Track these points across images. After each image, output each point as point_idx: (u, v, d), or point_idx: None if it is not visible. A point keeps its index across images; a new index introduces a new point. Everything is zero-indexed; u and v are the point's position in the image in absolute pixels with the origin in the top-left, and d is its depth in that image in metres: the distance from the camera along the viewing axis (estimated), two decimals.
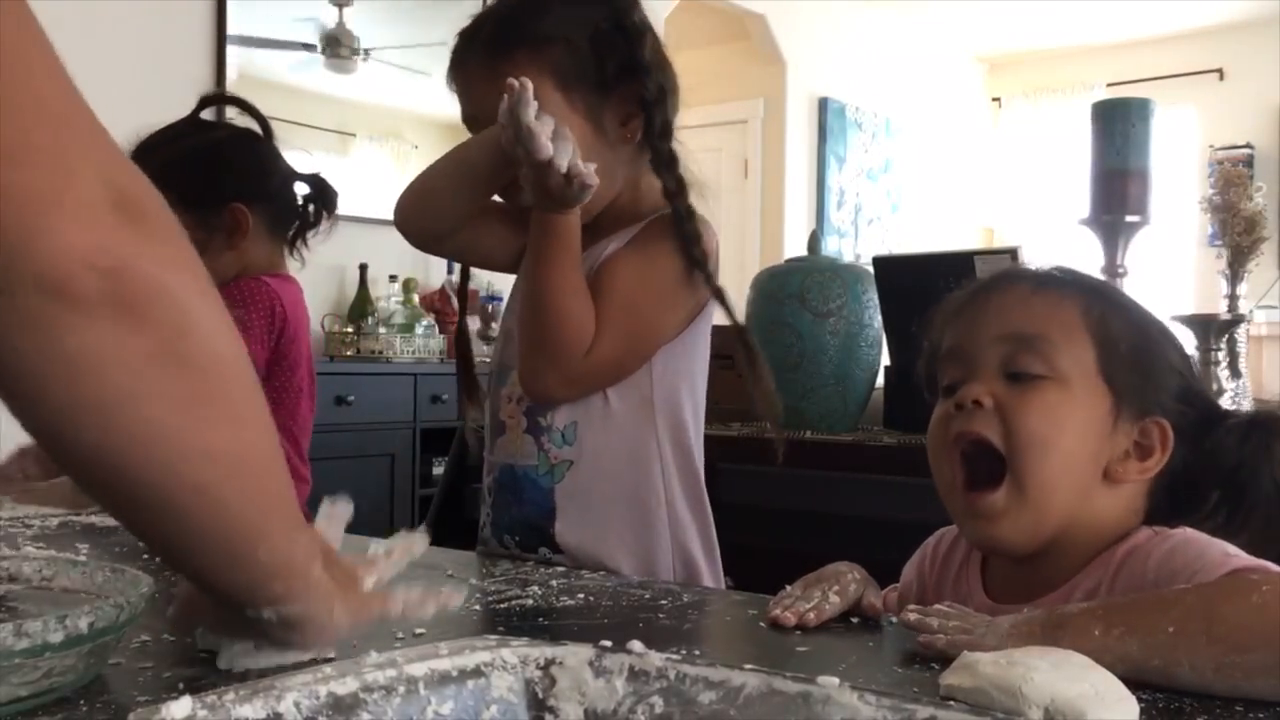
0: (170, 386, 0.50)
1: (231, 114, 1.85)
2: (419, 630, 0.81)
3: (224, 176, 1.63)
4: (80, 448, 0.51)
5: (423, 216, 1.28)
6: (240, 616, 0.61)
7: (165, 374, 0.49)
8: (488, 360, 1.38)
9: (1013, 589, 0.93)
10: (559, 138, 1.07)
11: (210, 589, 0.62)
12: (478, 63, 1.22)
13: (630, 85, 1.20)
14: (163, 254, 0.50)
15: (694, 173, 1.24)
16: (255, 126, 1.72)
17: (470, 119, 1.25)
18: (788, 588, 0.92)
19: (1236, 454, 0.91)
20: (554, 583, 1.05)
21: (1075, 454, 0.90)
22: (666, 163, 1.21)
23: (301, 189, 1.74)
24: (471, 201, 1.26)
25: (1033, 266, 1.04)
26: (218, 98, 1.91)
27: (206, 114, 1.75)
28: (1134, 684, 0.67)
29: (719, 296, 1.23)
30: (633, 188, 1.25)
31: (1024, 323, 0.93)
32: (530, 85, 1.05)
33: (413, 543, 0.80)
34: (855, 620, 0.89)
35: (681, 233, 1.20)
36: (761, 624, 0.87)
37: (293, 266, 1.74)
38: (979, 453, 0.91)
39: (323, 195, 1.75)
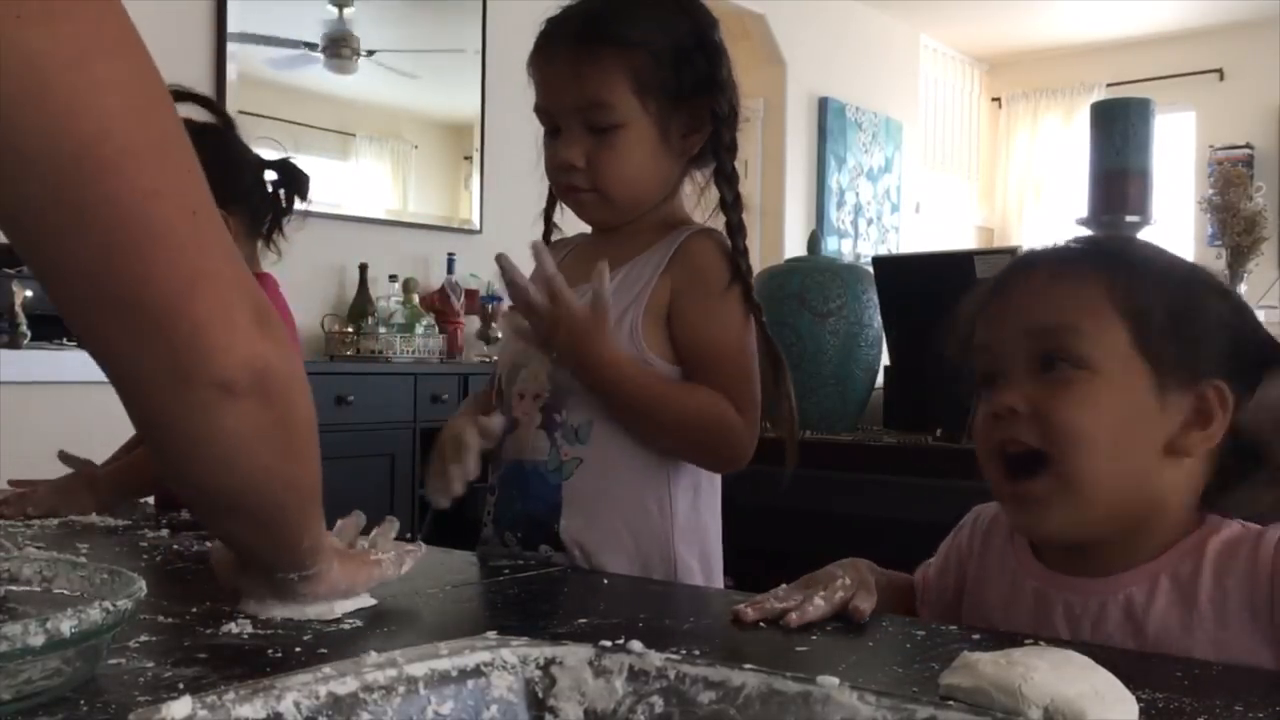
0: (280, 442, 0.72)
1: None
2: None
3: None
4: (210, 483, 0.73)
5: None
6: (266, 577, 0.83)
7: (279, 435, 0.71)
8: (488, 359, 1.38)
9: (1073, 560, 0.92)
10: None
11: (262, 565, 0.83)
12: (562, 55, 1.23)
13: (701, 100, 1.25)
14: (282, 351, 0.70)
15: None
16: (211, 119, 1.59)
17: (541, 110, 1.27)
18: (783, 587, 0.91)
19: None
20: (554, 582, 1.05)
21: (1120, 443, 0.87)
22: (729, 176, 1.27)
23: (269, 176, 1.65)
24: None
25: (1049, 244, 0.97)
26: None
27: None
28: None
29: (758, 314, 1.25)
30: (670, 199, 1.30)
31: (1045, 315, 0.89)
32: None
33: (410, 553, 0.96)
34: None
35: (734, 246, 1.25)
36: (762, 625, 0.87)
37: (269, 261, 1.66)
38: (1024, 451, 0.89)
39: (293, 180, 1.66)
